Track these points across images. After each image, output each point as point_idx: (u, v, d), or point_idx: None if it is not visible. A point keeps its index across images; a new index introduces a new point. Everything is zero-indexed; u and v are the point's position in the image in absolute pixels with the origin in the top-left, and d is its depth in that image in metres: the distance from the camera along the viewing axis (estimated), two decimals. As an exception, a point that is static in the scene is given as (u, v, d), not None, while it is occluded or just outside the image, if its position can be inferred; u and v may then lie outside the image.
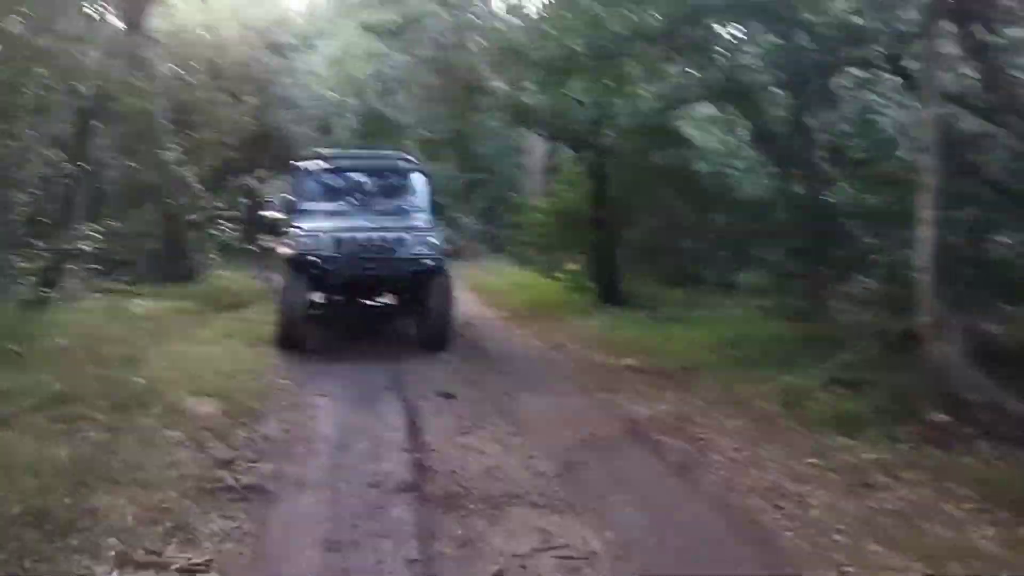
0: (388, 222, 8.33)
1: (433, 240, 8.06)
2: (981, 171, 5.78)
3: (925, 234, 5.13)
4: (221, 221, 11.35)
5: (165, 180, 10.47)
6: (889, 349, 5.62)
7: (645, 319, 8.73)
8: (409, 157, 9.95)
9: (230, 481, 4.07)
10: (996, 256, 6.19)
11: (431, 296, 7.85)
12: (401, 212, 8.79)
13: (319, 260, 7.69)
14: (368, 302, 8.44)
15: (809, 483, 4.04)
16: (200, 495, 3.83)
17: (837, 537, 3.43)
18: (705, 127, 9.49)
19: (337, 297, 8.13)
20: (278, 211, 8.87)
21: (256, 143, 13.99)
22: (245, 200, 12.64)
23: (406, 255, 7.88)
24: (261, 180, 13.32)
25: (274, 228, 9.06)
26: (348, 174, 9.19)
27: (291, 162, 9.72)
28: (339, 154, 9.90)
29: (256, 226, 14.57)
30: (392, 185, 9.23)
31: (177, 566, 3.16)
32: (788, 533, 3.50)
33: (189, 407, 5.16)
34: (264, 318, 8.47)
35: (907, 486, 3.95)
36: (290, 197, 8.90)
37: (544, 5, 9.43)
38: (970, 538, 3.39)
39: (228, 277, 11.42)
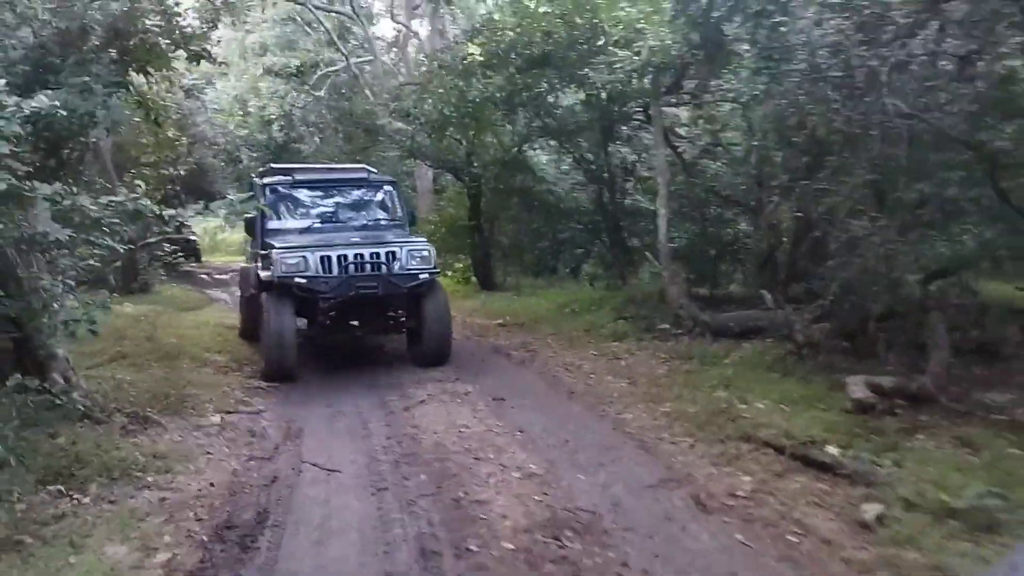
0: (371, 237, 7.94)
1: (426, 252, 7.70)
2: (701, 182, 9.40)
3: (661, 222, 8.67)
4: (165, 245, 13.81)
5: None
6: (651, 297, 9.14)
7: (512, 297, 12.02)
8: (372, 169, 9.51)
9: (256, 384, 7.01)
10: (721, 236, 9.86)
11: (428, 310, 7.55)
12: (380, 226, 8.49)
13: (307, 283, 7.20)
14: (357, 322, 7.81)
15: (587, 361, 7.37)
16: (243, 390, 6.75)
17: (593, 376, 6.76)
18: (540, 157, 13.00)
19: (324, 320, 7.43)
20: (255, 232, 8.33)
21: (184, 176, 16.40)
22: (179, 226, 15.08)
23: (401, 270, 7.48)
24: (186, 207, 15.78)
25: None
26: (315, 189, 8.74)
27: (252, 178, 9.51)
28: (301, 168, 9.43)
29: (184, 250, 16.94)
30: (363, 198, 8.85)
31: (250, 410, 6.11)
32: (571, 379, 6.78)
33: (207, 357, 7.98)
34: (219, 316, 11.20)
35: (635, 358, 7.34)
36: (248, 215, 8.10)
37: (422, 76, 12.59)
38: (655, 372, 6.79)
39: (174, 290, 13.88)
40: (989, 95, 5.46)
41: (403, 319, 7.75)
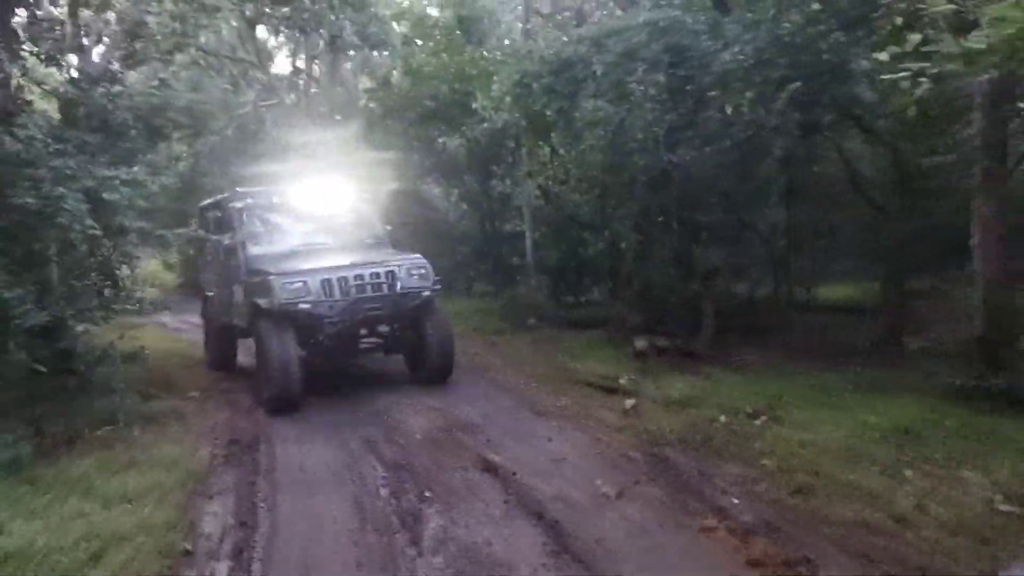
0: (364, 255, 7.76)
1: (424, 268, 7.60)
2: (562, 211, 12.24)
3: (528, 243, 11.40)
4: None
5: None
6: (525, 303, 11.82)
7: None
8: (346, 183, 9.21)
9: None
10: (579, 254, 12.70)
11: (429, 327, 7.52)
12: (366, 245, 8.35)
13: (311, 308, 7.02)
14: (361, 345, 7.66)
15: (475, 348, 9.86)
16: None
17: (478, 356, 9.27)
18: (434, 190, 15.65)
19: (326, 345, 7.23)
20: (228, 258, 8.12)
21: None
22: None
23: (404, 289, 7.37)
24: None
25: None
26: (292, 210, 8.47)
27: (218, 200, 9.04)
28: (269, 190, 8.86)
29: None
30: (342, 216, 8.61)
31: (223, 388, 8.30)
32: (463, 359, 9.12)
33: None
34: (159, 338, 13.09)
35: (509, 344, 9.94)
36: (227, 241, 8.19)
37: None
38: (522, 351, 9.40)
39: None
40: (732, 155, 8.41)
41: (406, 338, 7.65)
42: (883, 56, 3.46)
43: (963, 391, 5.11)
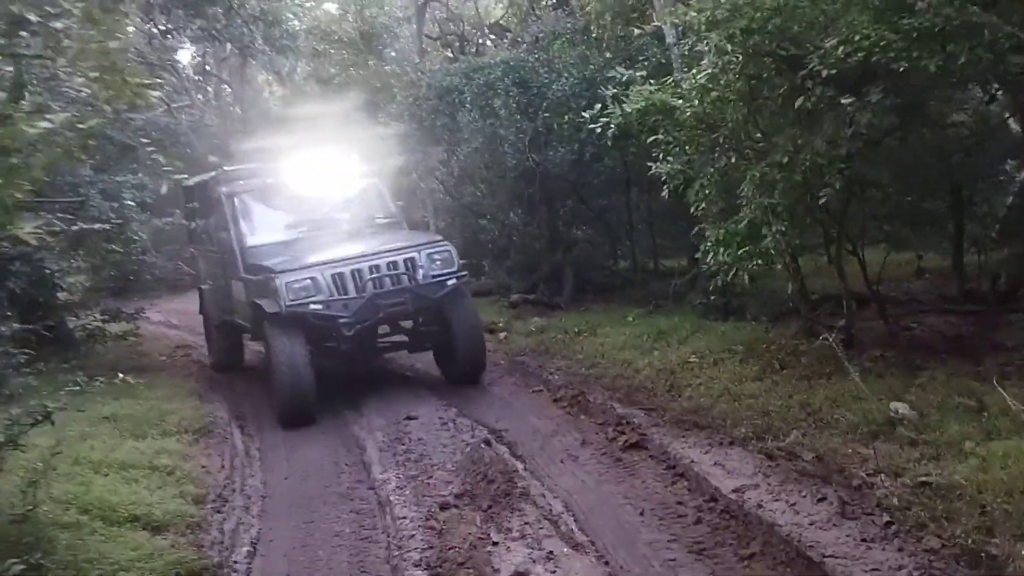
0: (378, 241, 7.20)
1: (447, 252, 7.08)
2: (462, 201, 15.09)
3: (431, 229, 14.24)
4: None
5: None
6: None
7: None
8: (351, 154, 8.26)
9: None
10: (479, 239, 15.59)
11: (456, 321, 6.97)
12: (378, 227, 7.75)
13: (323, 309, 6.49)
14: (382, 344, 7.49)
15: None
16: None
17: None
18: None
19: (343, 349, 6.85)
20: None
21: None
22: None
23: (426, 278, 6.79)
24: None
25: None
26: (288, 187, 7.70)
27: (203, 180, 8.42)
28: (263, 167, 8.15)
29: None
30: (348, 195, 7.99)
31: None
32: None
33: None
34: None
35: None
36: (220, 233, 7.58)
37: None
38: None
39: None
40: (582, 154, 11.44)
41: (431, 334, 7.32)
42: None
43: (704, 309, 8.28)
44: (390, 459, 5.64)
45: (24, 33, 3.26)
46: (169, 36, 21.06)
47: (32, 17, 3.15)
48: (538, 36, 10.77)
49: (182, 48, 26.96)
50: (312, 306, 6.57)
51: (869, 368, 5.74)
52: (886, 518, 3.81)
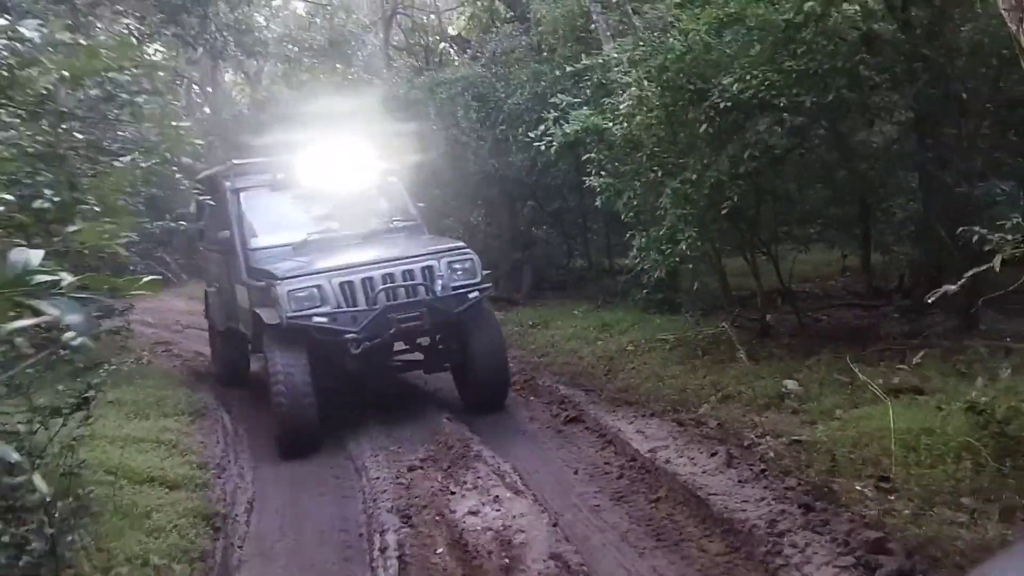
0: (394, 246, 6.72)
1: (469, 261, 6.53)
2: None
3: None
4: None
5: None
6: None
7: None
8: (370, 147, 7.66)
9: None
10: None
11: (477, 339, 6.46)
12: (396, 231, 7.26)
13: (329, 322, 5.96)
14: (395, 363, 6.94)
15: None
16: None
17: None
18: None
19: (350, 365, 6.24)
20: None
21: None
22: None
23: (445, 290, 6.25)
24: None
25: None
26: (300, 184, 7.17)
27: (210, 174, 7.77)
28: (274, 160, 7.57)
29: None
30: (366, 194, 7.42)
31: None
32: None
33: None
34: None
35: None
36: (223, 232, 7.04)
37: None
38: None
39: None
40: (536, 161, 12.45)
41: (449, 353, 6.74)
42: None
43: (644, 304, 9.33)
44: (363, 434, 6.58)
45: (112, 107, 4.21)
46: (143, 41, 21.71)
47: (123, 95, 4.07)
48: (495, 52, 11.75)
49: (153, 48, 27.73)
50: (316, 319, 5.96)
51: (773, 352, 6.83)
52: (761, 467, 4.86)
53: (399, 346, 6.98)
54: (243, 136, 17.58)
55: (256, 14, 20.35)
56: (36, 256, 1.99)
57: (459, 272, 6.50)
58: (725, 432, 5.54)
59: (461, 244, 6.96)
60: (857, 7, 6.51)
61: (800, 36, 6.19)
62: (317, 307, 6.07)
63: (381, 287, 6.21)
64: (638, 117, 6.64)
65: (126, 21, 17.65)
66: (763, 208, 7.46)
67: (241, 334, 7.47)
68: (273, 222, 7.18)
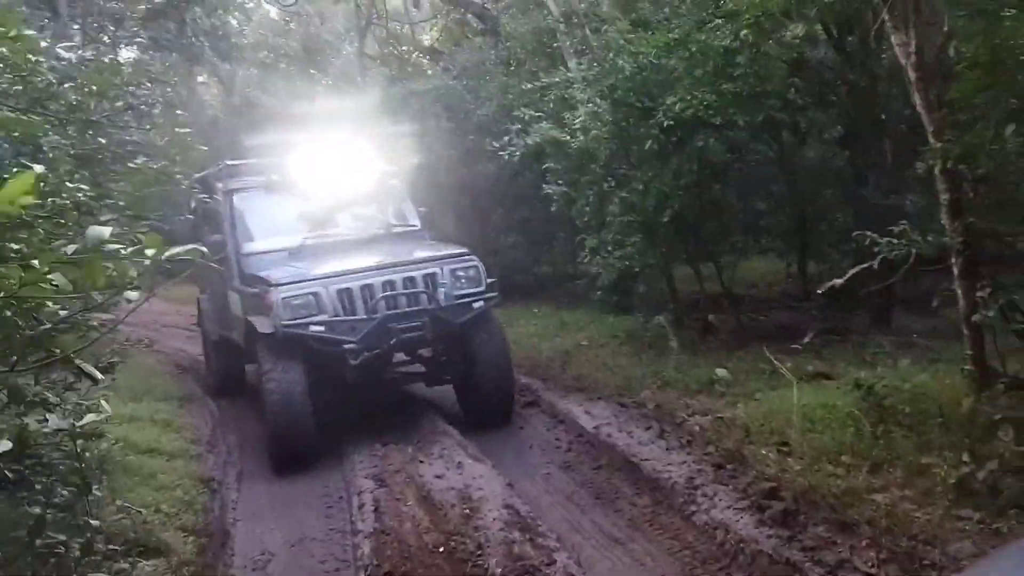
0: (395, 252, 6.53)
1: (473, 269, 6.47)
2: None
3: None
4: None
5: None
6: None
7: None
8: (368, 148, 7.57)
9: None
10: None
11: (481, 350, 6.33)
12: (396, 237, 7.11)
13: (326, 332, 5.84)
14: (394, 375, 6.76)
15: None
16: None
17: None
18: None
19: (348, 376, 6.08)
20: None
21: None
22: None
23: (448, 299, 6.15)
24: None
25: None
26: (296, 186, 7.01)
27: (202, 176, 7.23)
28: (267, 161, 7.34)
29: None
30: (365, 197, 7.22)
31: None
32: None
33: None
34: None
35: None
36: (214, 236, 6.91)
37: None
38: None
39: None
40: (503, 170, 13.28)
41: (452, 365, 6.57)
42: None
43: (601, 305, 10.20)
44: (340, 418, 7.33)
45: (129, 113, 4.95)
46: (119, 46, 22.25)
47: (142, 106, 4.82)
48: (465, 66, 12.60)
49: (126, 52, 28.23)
50: (313, 328, 5.82)
51: (711, 347, 7.73)
52: (687, 438, 5.73)
53: (399, 357, 6.79)
54: (218, 141, 18.19)
55: (231, 19, 21.10)
56: (106, 231, 2.80)
57: (463, 280, 6.36)
58: (661, 412, 6.40)
59: (465, 251, 6.78)
60: (795, 34, 7.45)
61: (736, 61, 7.10)
62: (313, 315, 5.88)
63: (381, 295, 6.03)
64: (592, 131, 7.50)
65: (105, 24, 18.29)
66: (707, 219, 8.37)
67: (235, 343, 7.16)
68: (268, 226, 6.96)
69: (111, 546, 3.89)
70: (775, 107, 7.16)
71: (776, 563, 3.97)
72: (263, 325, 6.00)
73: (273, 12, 22.34)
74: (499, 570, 4.11)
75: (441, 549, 4.47)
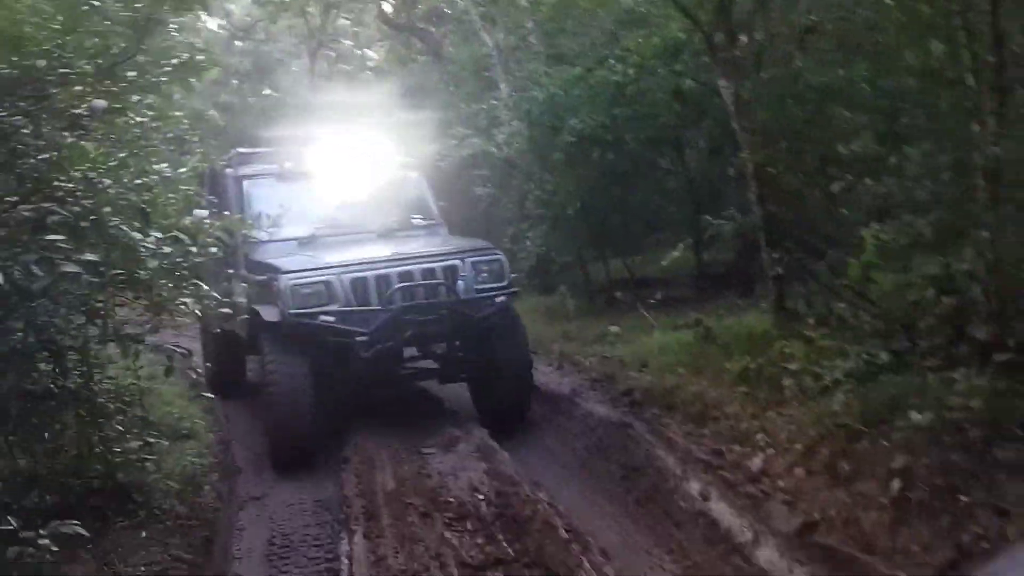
0: (412, 244, 6.61)
1: (497, 262, 6.47)
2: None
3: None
4: None
5: None
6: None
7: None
8: (388, 142, 7.75)
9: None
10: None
11: (501, 347, 6.35)
12: (414, 229, 7.18)
13: (337, 322, 5.76)
14: (406, 370, 6.58)
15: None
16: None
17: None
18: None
19: (358, 371, 6.01)
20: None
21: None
22: None
23: (468, 293, 6.14)
24: None
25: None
26: (309, 176, 7.08)
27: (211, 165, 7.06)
28: (279, 148, 7.48)
29: None
30: (383, 189, 7.24)
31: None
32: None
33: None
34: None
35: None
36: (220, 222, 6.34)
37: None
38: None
39: None
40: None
41: (468, 362, 6.51)
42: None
43: (527, 287, 12.43)
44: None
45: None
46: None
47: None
48: (409, 85, 14.83)
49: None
50: (323, 318, 5.76)
51: (611, 315, 10.05)
52: (578, 370, 8.02)
53: (411, 353, 6.74)
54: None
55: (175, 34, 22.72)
56: (204, 213, 4.94)
57: (484, 274, 6.33)
58: (563, 356, 8.69)
59: (487, 244, 6.88)
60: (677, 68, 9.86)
61: (626, 92, 9.49)
62: (324, 305, 5.82)
63: (397, 286, 5.99)
64: (514, 145, 9.81)
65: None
66: (612, 214, 10.72)
67: (236, 336, 6.83)
68: (280, 214, 6.80)
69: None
70: (658, 127, 9.55)
71: (621, 427, 6.27)
72: (269, 314, 5.93)
73: (220, 28, 24.19)
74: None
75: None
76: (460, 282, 6.19)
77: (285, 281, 5.90)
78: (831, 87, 6.70)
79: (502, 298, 6.38)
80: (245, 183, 7.25)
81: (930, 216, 4.73)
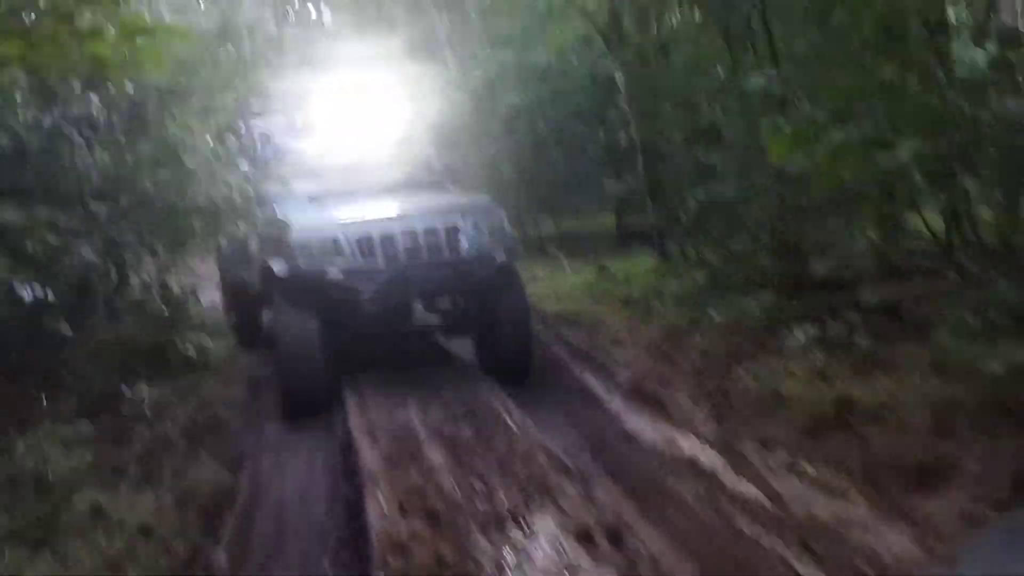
0: (417, 201, 6.80)
1: (499, 220, 6.69)
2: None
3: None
4: None
5: None
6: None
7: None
8: (392, 98, 8.05)
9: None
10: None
11: (502, 304, 6.50)
12: (420, 185, 7.34)
13: (344, 279, 6.01)
14: (412, 325, 6.45)
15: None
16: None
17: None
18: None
19: (363, 325, 6.18)
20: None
21: None
22: None
23: (471, 252, 6.33)
24: None
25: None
26: (320, 133, 7.48)
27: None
28: (287, 100, 7.91)
29: None
30: (391, 146, 7.59)
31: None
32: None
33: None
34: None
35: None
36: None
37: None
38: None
39: None
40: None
41: (471, 318, 6.67)
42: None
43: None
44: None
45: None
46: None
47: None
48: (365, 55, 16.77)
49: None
50: (330, 274, 6.07)
51: (543, 262, 12.40)
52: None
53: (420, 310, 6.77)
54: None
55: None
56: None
57: (487, 234, 6.53)
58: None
59: (490, 201, 7.13)
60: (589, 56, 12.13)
61: (550, 73, 11.78)
62: (331, 261, 6.11)
63: (402, 244, 6.24)
64: (462, 116, 12.05)
65: None
66: (543, 175, 13.02)
67: (251, 285, 7.37)
68: (289, 170, 7.12)
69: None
70: (576, 105, 11.86)
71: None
72: (279, 269, 6.22)
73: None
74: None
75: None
76: (463, 240, 6.42)
77: (293, 236, 6.20)
78: (691, 82, 9.06)
79: (504, 255, 6.60)
80: (258, 139, 7.71)
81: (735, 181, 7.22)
